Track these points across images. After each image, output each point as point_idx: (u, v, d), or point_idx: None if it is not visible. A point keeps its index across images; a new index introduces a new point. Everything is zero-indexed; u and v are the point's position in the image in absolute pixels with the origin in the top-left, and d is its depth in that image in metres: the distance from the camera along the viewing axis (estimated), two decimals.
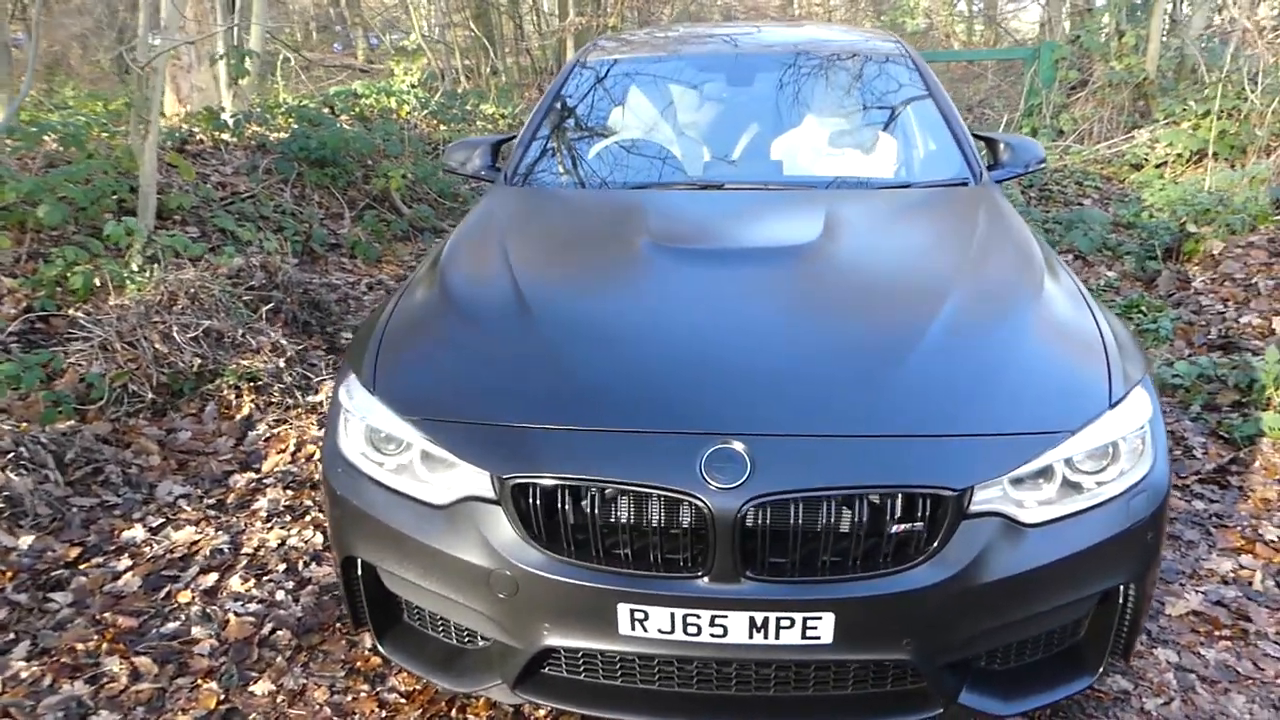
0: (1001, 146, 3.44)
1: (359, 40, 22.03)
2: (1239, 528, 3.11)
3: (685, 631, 1.91)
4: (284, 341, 4.28)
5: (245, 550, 3.07)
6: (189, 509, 3.32)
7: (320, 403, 4.00)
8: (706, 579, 1.87)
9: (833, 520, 1.86)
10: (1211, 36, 9.06)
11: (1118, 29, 9.28)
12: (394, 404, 2.15)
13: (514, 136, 3.78)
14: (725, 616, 1.88)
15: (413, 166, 7.38)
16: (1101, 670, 2.15)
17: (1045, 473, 1.97)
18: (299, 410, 3.97)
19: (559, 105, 3.68)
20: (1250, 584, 2.83)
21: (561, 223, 3.03)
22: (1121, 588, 2.07)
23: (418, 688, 2.44)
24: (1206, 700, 2.37)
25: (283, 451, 3.72)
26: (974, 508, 1.89)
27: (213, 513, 3.30)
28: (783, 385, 2.03)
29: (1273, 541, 3.04)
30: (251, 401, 3.98)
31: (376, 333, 2.40)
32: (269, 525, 3.22)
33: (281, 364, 4.11)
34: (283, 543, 3.12)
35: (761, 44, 4.01)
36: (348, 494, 2.17)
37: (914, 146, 3.47)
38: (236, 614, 2.73)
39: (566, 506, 1.92)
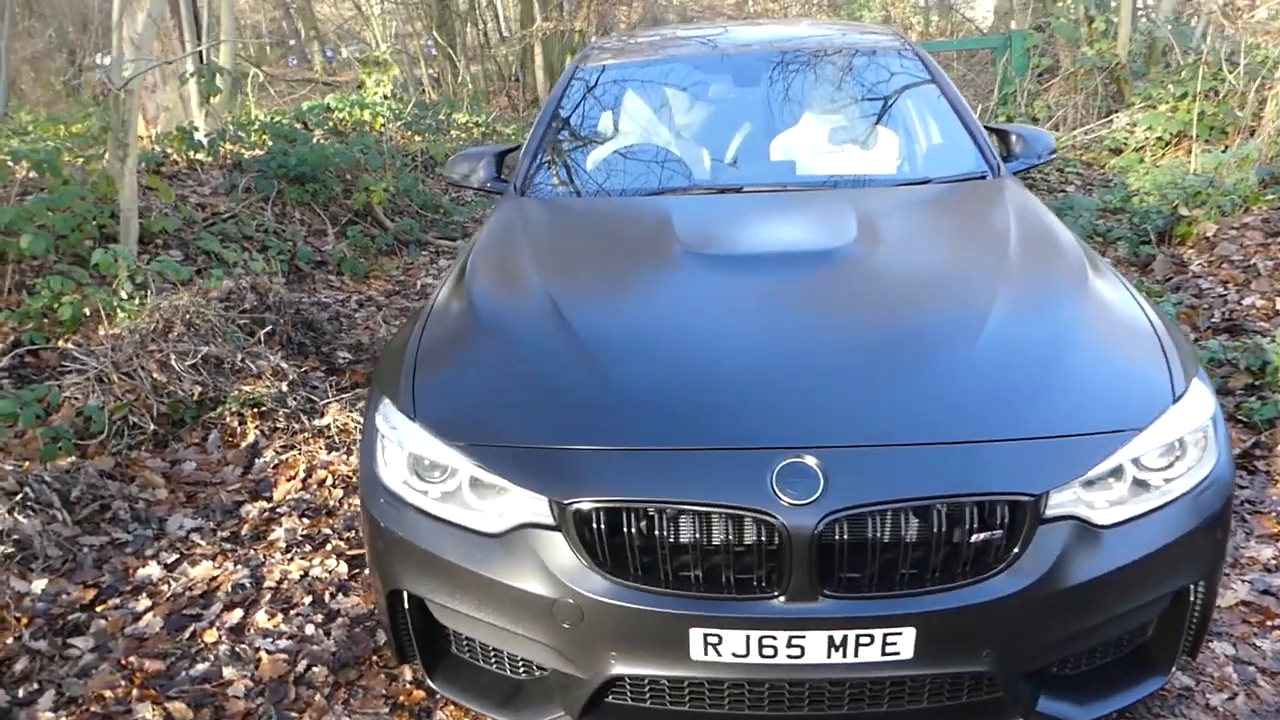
0: (1014, 138, 3.42)
1: (314, 54, 21.79)
2: (1273, 513, 3.10)
3: (761, 654, 1.84)
4: (284, 365, 4.17)
5: (268, 584, 2.97)
6: (203, 543, 3.21)
7: (327, 426, 3.89)
8: (783, 599, 1.81)
9: (910, 532, 1.80)
10: (1182, 20, 9.15)
11: (1087, 15, 9.34)
12: (437, 429, 2.07)
13: (517, 147, 3.70)
14: (803, 637, 1.82)
15: (393, 180, 7.27)
16: (1174, 670, 2.12)
17: (1116, 472, 1.93)
18: (306, 435, 3.86)
19: (563, 113, 3.60)
20: None
21: (586, 234, 2.95)
22: (1192, 586, 2.04)
23: None
24: (1270, 692, 2.35)
25: (293, 478, 3.62)
26: (1049, 512, 1.85)
27: (228, 546, 3.20)
28: (847, 394, 1.98)
29: None
30: (256, 428, 3.87)
31: (409, 355, 2.31)
32: (289, 556, 3.11)
33: (284, 388, 4.00)
34: (305, 574, 3.02)
35: (762, 43, 3.96)
36: (392, 525, 2.09)
37: (928, 141, 3.44)
38: (268, 651, 2.63)
39: (632, 530, 1.85)
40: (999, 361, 2.07)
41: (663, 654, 1.89)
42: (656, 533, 1.84)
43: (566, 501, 1.87)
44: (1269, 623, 2.60)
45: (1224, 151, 6.37)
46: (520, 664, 2.15)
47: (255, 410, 3.91)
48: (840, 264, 2.49)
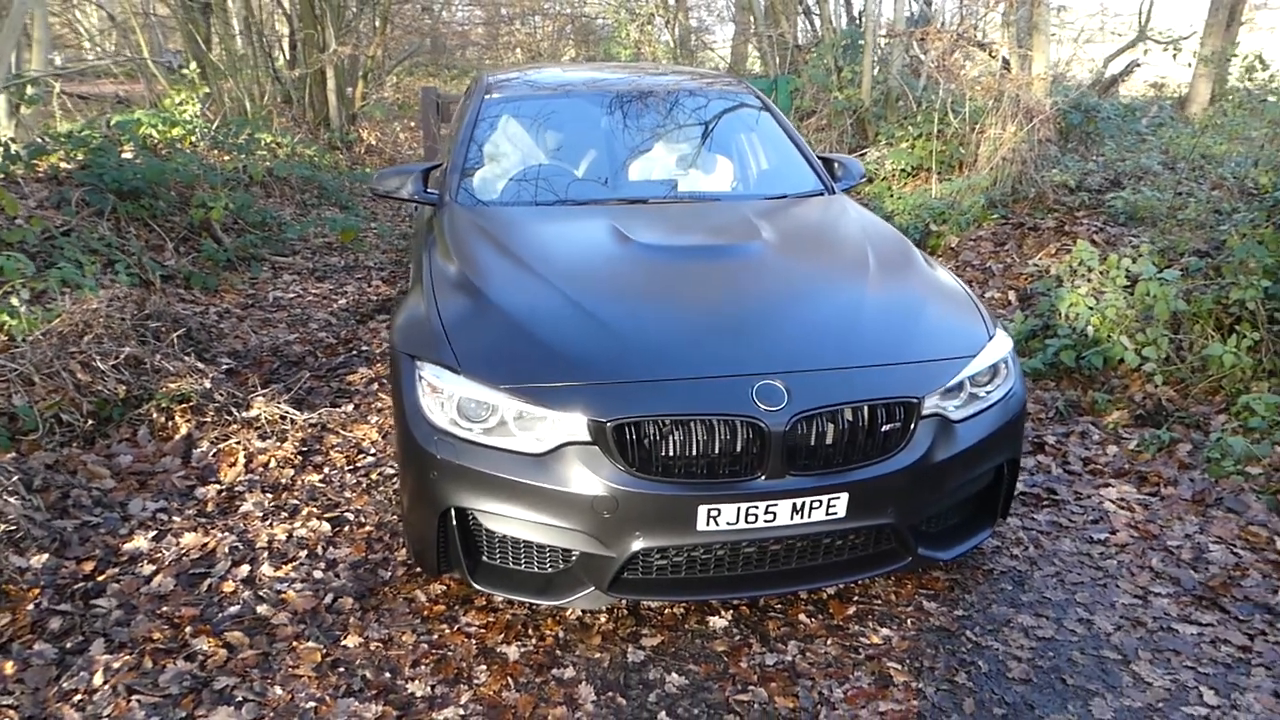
0: (837, 165, 4.41)
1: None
2: (1028, 439, 4.24)
3: (746, 520, 2.60)
4: (200, 365, 4.45)
5: (260, 545, 3.36)
6: (177, 520, 3.52)
7: (256, 418, 4.24)
8: (764, 477, 2.58)
9: (844, 425, 2.64)
10: (908, 73, 10.90)
11: (836, 65, 10.91)
12: (484, 379, 2.68)
13: (437, 165, 4.27)
14: (776, 505, 2.60)
15: (227, 196, 7.39)
16: (997, 523, 3.10)
17: (960, 385, 2.86)
18: (237, 426, 4.19)
19: (478, 137, 4.21)
20: (1050, 472, 3.95)
21: (547, 231, 3.58)
22: (1005, 464, 3.02)
23: (491, 619, 2.94)
24: (1048, 545, 3.40)
25: (235, 465, 3.95)
26: (925, 411, 2.75)
27: (203, 520, 3.53)
28: (794, 337, 2.80)
29: (1050, 445, 4.20)
30: (187, 422, 4.15)
31: (436, 327, 2.88)
32: (268, 523, 3.50)
33: (208, 384, 4.30)
34: (290, 535, 3.43)
35: (642, 83, 4.74)
36: (448, 456, 2.66)
37: (781, 166, 4.35)
38: (295, 590, 3.07)
39: (654, 439, 2.55)
40: (884, 313, 2.97)
41: (675, 528, 2.60)
42: (673, 438, 2.56)
43: (605, 419, 2.54)
44: (1039, 504, 3.69)
45: (955, 181, 7.89)
46: (548, 559, 2.78)
47: (184, 405, 4.19)
48: (762, 252, 3.32)
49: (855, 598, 3.07)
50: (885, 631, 2.90)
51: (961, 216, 6.97)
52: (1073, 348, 4.76)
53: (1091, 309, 4.80)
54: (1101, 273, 4.98)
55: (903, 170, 9.02)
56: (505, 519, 2.69)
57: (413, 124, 15.39)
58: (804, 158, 4.33)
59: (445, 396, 2.70)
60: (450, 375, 2.72)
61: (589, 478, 2.56)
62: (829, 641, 2.85)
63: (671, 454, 2.57)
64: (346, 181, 10.85)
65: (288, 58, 13.90)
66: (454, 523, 2.75)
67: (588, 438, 2.58)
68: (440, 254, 3.40)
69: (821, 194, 4.13)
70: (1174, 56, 10.67)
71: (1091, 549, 3.39)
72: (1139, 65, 12.64)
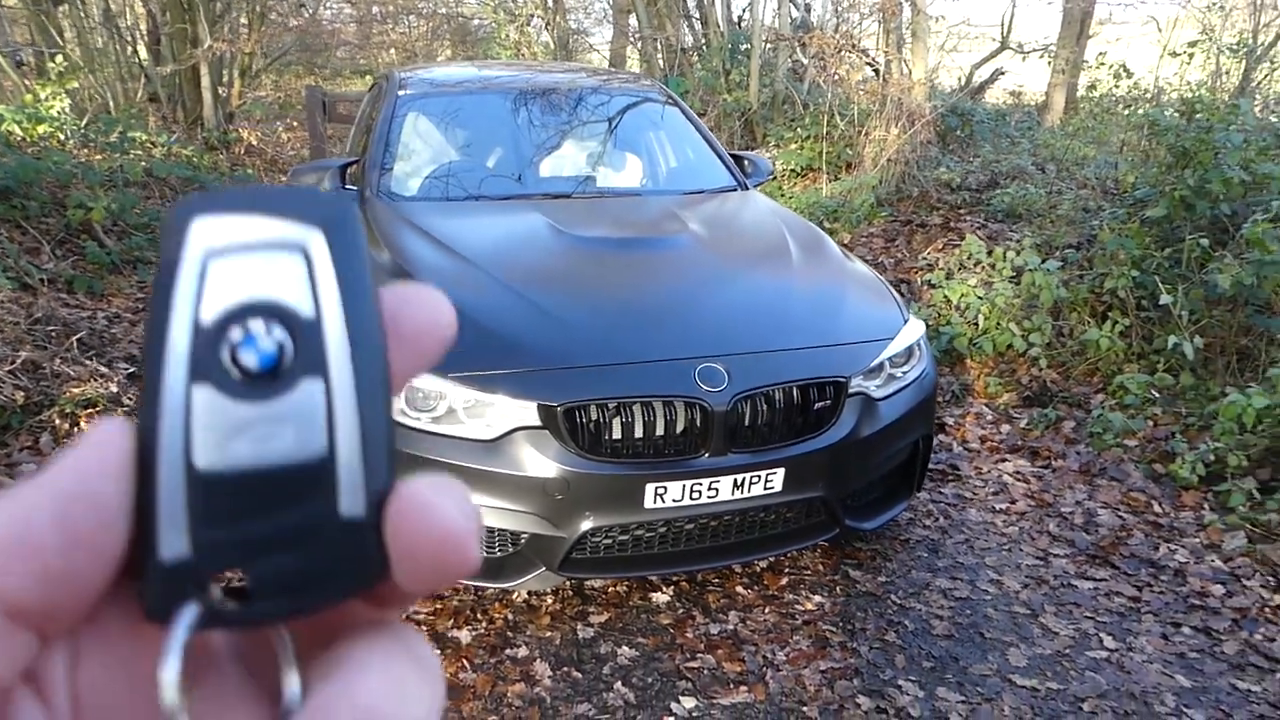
0: (746, 162, 4.60)
1: None
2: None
3: (691, 497, 2.73)
4: (104, 368, 4.30)
5: None
6: None
7: None
8: (707, 455, 2.71)
9: (780, 405, 2.79)
10: (794, 77, 11.29)
11: (724, 68, 11.21)
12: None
13: (355, 161, 4.25)
14: (718, 481, 2.73)
15: (107, 196, 7.09)
16: (914, 495, 3.32)
17: (880, 366, 3.06)
18: None
19: (395, 132, 4.21)
20: (952, 450, 4.23)
21: (478, 225, 3.62)
22: (920, 440, 3.24)
23: (439, 606, 2.98)
24: (956, 515, 3.65)
25: None
26: (851, 390, 2.93)
27: None
28: (731, 323, 2.94)
29: (950, 426, 4.49)
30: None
31: None
32: None
33: (114, 389, 4.16)
34: None
35: (556, 82, 4.81)
36: (398, 445, 2.69)
37: (696, 163, 4.51)
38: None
39: (603, 421, 2.65)
40: (811, 299, 3.15)
41: (625, 507, 2.70)
42: (620, 420, 2.66)
43: (556, 404, 2.63)
44: (945, 478, 3.95)
45: (845, 180, 8.24)
46: (498, 543, 2.84)
47: (90, 411, 4.04)
48: (692, 243, 3.45)
49: (787, 569, 3.23)
50: (818, 599, 3.08)
51: (853, 214, 7.30)
52: (965, 335, 5.08)
53: (981, 299, 5.13)
54: (990, 265, 5.33)
55: (793, 170, 9.35)
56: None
57: (296, 124, 14.98)
58: (716, 154, 4.50)
59: None
60: None
61: (540, 461, 2.64)
62: (767, 610, 3.00)
63: (620, 435, 2.67)
64: (229, 182, 10.52)
65: (151, 52, 13.32)
66: None
67: (538, 422, 2.66)
68: (371, 248, 3.40)
69: (735, 189, 4.30)
70: (1048, 64, 11.37)
71: (995, 518, 3.66)
72: (1002, 73, 13.41)
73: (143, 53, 13.97)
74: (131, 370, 4.85)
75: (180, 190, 9.39)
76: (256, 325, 0.30)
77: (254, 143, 13.27)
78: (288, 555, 0.30)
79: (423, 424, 2.70)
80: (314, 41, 18.55)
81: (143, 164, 8.87)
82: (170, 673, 0.28)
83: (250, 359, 0.30)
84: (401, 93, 4.43)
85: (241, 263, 0.30)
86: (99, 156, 8.97)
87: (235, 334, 0.30)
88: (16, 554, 0.27)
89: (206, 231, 0.30)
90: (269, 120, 14.55)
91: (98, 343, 5.22)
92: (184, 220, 0.31)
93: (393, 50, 21.90)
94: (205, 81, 12.62)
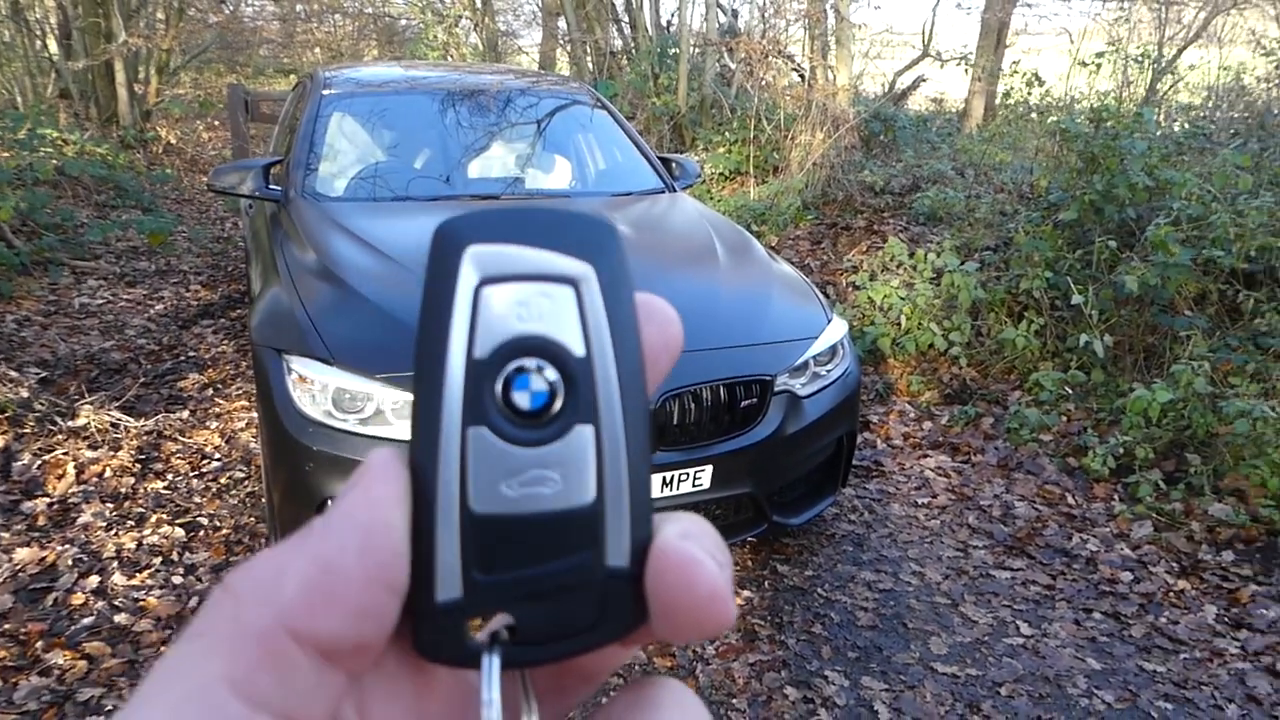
0: (674, 165, 4.64)
1: None
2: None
3: None
4: (14, 373, 4.15)
5: (107, 555, 3.20)
6: (5, 535, 3.29)
7: (85, 426, 4.00)
8: None
9: (707, 403, 2.84)
10: (722, 81, 11.41)
11: (653, 71, 11.28)
12: (358, 369, 2.70)
13: (278, 161, 4.18)
14: None
15: (15, 195, 6.84)
16: (839, 491, 3.39)
17: (804, 365, 3.13)
18: (62, 436, 3.95)
19: (320, 131, 4.15)
20: (876, 447, 4.33)
21: (405, 226, 3.57)
22: (845, 436, 3.31)
23: None
24: (880, 510, 3.74)
25: (63, 476, 3.73)
26: (777, 388, 2.99)
27: (35, 534, 3.32)
28: None
29: (874, 424, 4.59)
30: (4, 434, 3.87)
31: (302, 322, 2.87)
32: (113, 533, 3.34)
33: (24, 394, 4.02)
34: (140, 543, 3.29)
35: (483, 84, 4.78)
36: (325, 447, 2.67)
37: (625, 165, 4.53)
38: (155, 597, 2.96)
39: None
40: (737, 299, 3.19)
41: None
42: None
43: None
44: (870, 475, 4.04)
45: (771, 184, 8.36)
46: None
47: (1, 415, 3.90)
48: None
49: None
50: (746, 593, 3.13)
51: (779, 217, 7.41)
52: (888, 335, 5.21)
53: (903, 299, 5.26)
54: (912, 267, 5.47)
55: (721, 174, 9.45)
56: None
57: (217, 123, 14.62)
58: (644, 157, 4.54)
59: (317, 388, 2.70)
60: (322, 366, 2.72)
61: None
62: None
63: None
64: (146, 182, 10.23)
65: (62, 47, 12.88)
66: None
67: None
68: (296, 248, 3.36)
69: (663, 191, 4.34)
70: (966, 71, 11.67)
71: (917, 512, 3.76)
72: (924, 80, 13.74)
73: (53, 47, 13.52)
74: (43, 375, 4.69)
75: (95, 190, 9.12)
76: (529, 363, 0.30)
77: (173, 141, 12.92)
78: (553, 601, 0.31)
79: (350, 425, 2.68)
80: (235, 39, 18.13)
81: (54, 162, 8.58)
82: (494, 713, 0.29)
83: (523, 399, 0.30)
84: (326, 92, 4.37)
85: (515, 295, 0.30)
86: (6, 154, 8.65)
87: (509, 371, 0.30)
88: (330, 593, 0.27)
89: (479, 261, 0.30)
90: (189, 119, 14.17)
91: (6, 346, 5.07)
92: (457, 247, 0.30)
93: (317, 49, 21.52)
94: (120, 78, 12.25)
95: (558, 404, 0.30)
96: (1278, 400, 3.77)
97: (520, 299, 0.30)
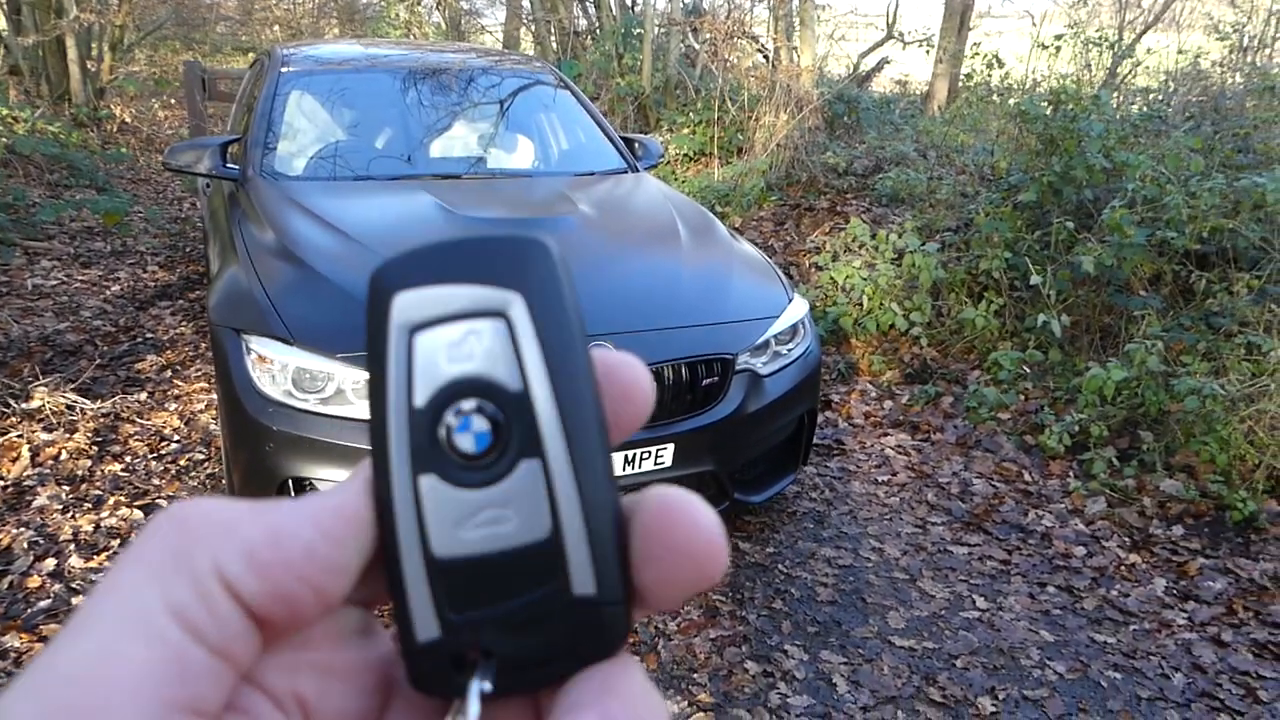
0: (637, 145, 4.64)
1: None
2: None
3: None
4: None
5: (64, 537, 3.17)
6: None
7: (40, 409, 3.94)
8: None
9: (669, 382, 2.85)
10: (685, 62, 11.38)
11: (617, 52, 11.22)
12: (319, 348, 2.68)
13: (236, 139, 4.12)
14: None
15: None
16: (800, 469, 3.43)
17: (765, 344, 3.15)
18: (15, 419, 3.88)
19: (278, 110, 4.09)
20: (837, 426, 4.37)
21: (366, 205, 3.54)
22: (806, 415, 3.34)
23: None
24: (841, 487, 3.79)
25: (17, 459, 3.68)
26: (738, 367, 3.01)
27: None
28: (623, 303, 2.98)
29: (836, 403, 4.64)
30: None
31: (261, 302, 2.84)
32: (70, 515, 3.30)
33: None
34: (98, 525, 3.25)
35: (444, 62, 4.74)
36: (285, 427, 2.65)
37: (587, 145, 4.52)
38: None
39: None
40: (698, 279, 3.21)
41: None
42: None
43: None
44: (831, 453, 4.09)
45: (735, 165, 8.37)
46: None
47: None
48: (582, 224, 3.47)
49: None
50: None
51: (743, 198, 7.43)
52: (850, 315, 5.25)
53: (865, 280, 5.31)
54: (874, 247, 5.52)
55: (686, 155, 9.45)
56: None
57: (173, 101, 14.34)
58: (607, 137, 4.53)
59: (277, 368, 2.68)
60: (281, 346, 2.70)
61: None
62: None
63: None
64: (101, 161, 10.04)
65: (11, 22, 12.55)
66: (292, 494, 2.73)
67: None
68: (255, 228, 3.32)
69: (626, 171, 4.34)
70: (927, 52, 11.72)
71: (877, 489, 3.81)
72: (888, 62, 13.80)
73: (1, 22, 13.17)
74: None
75: (47, 169, 8.93)
76: (468, 405, 0.30)
77: (128, 120, 12.66)
78: (530, 631, 0.31)
79: (310, 405, 2.66)
80: (191, 15, 17.77)
81: (4, 140, 8.40)
82: None
83: (467, 442, 0.30)
84: (285, 69, 4.31)
85: (445, 338, 0.31)
86: None
87: (449, 417, 0.30)
88: (272, 560, 0.29)
89: (407, 308, 0.31)
90: (144, 97, 13.89)
91: None
92: (386, 297, 0.31)
93: (276, 27, 21.18)
94: (72, 54, 11.98)
95: (501, 440, 0.31)
96: (1227, 378, 3.86)
97: (451, 341, 0.31)
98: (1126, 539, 3.48)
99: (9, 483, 3.51)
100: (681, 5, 12.35)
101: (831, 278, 5.51)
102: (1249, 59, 8.30)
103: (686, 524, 0.31)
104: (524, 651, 0.31)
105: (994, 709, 2.60)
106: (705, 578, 0.31)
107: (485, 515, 0.30)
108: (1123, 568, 3.31)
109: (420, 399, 0.30)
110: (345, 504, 0.31)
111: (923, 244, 5.26)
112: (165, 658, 0.26)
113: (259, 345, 2.72)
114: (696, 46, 11.44)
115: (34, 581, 2.92)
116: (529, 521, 0.31)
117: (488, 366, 0.31)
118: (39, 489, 3.46)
